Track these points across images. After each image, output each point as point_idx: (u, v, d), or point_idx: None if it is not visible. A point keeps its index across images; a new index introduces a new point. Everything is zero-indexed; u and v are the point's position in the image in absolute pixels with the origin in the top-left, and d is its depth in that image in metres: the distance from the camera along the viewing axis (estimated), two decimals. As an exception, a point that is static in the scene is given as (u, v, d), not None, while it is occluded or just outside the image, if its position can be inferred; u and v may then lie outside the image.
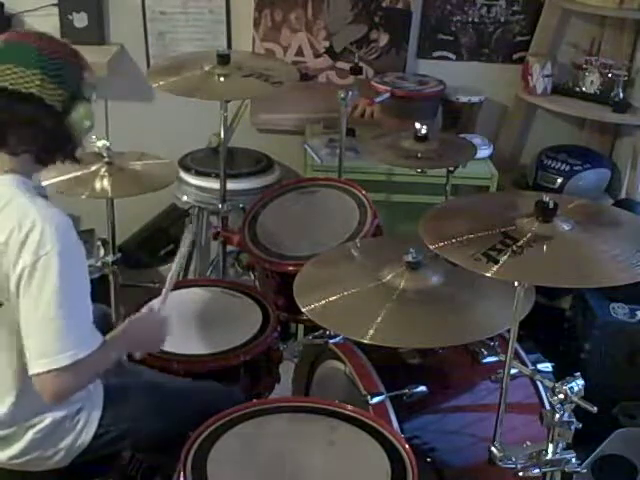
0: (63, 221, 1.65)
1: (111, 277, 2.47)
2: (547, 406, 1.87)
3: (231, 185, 2.92)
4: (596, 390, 1.67)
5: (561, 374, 1.63)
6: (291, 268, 2.30)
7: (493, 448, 1.68)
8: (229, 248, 2.98)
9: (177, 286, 2.53)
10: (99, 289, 2.45)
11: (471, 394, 2.12)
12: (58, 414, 1.77)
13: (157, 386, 1.97)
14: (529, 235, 1.57)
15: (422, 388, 1.94)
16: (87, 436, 1.82)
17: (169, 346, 2.12)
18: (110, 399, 1.88)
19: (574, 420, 1.58)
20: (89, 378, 1.74)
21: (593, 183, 3.21)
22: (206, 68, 2.61)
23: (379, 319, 1.71)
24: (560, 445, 1.61)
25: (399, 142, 2.57)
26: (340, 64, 3.37)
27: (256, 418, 1.79)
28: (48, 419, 1.77)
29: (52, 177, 2.19)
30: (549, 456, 1.62)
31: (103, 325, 1.79)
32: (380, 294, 1.81)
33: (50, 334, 1.60)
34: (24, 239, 1.60)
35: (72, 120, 1.70)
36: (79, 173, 2.26)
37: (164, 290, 1.97)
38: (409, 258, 1.83)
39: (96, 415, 1.84)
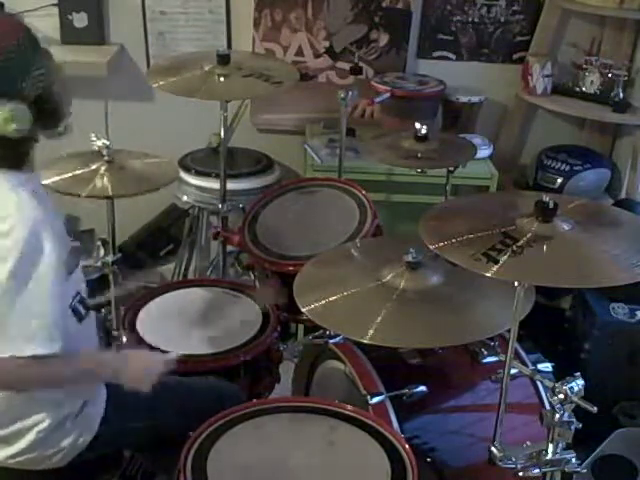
0: (40, 222, 1.60)
1: (111, 277, 2.46)
2: (547, 406, 1.87)
3: (231, 185, 2.91)
4: (596, 390, 1.67)
5: (561, 374, 1.62)
6: (291, 268, 2.30)
7: (493, 448, 1.68)
8: (229, 248, 2.98)
9: (177, 286, 2.54)
10: (99, 289, 2.46)
11: (471, 394, 2.12)
12: (59, 414, 1.77)
13: (158, 386, 1.97)
14: (529, 235, 1.56)
15: (422, 388, 1.95)
16: (88, 436, 1.82)
17: (169, 346, 2.13)
18: (112, 398, 1.87)
19: (574, 420, 1.58)
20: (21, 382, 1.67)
21: (593, 183, 3.21)
22: (206, 68, 2.60)
23: (379, 319, 1.71)
24: (560, 445, 1.61)
25: (399, 142, 2.56)
26: (340, 64, 3.37)
27: (256, 418, 1.79)
28: (49, 419, 1.76)
29: (52, 176, 2.19)
30: (549, 456, 1.62)
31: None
32: (380, 294, 1.81)
33: None
34: None
35: None
36: (79, 172, 2.26)
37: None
38: (409, 258, 1.83)
39: (97, 414, 1.84)
